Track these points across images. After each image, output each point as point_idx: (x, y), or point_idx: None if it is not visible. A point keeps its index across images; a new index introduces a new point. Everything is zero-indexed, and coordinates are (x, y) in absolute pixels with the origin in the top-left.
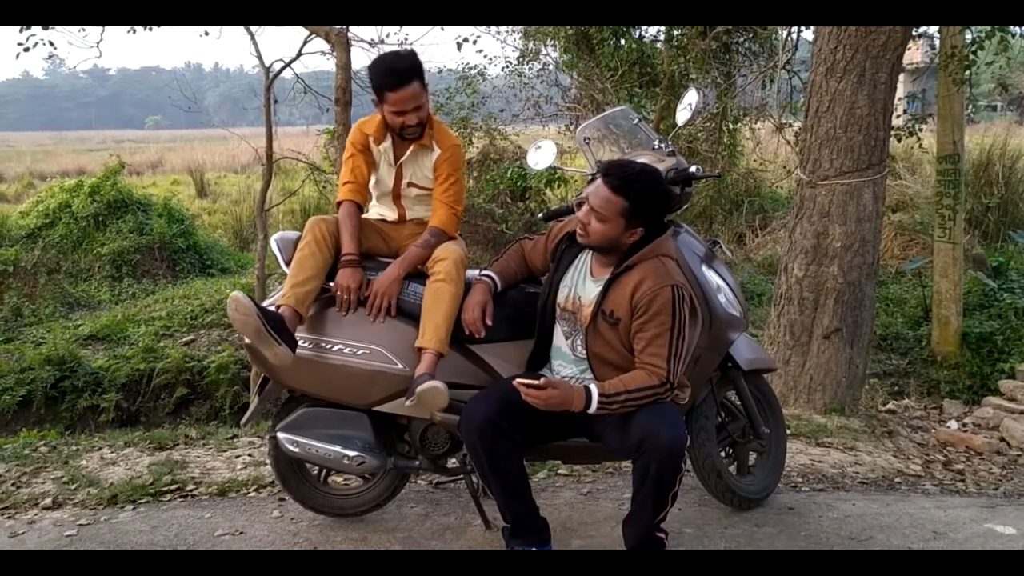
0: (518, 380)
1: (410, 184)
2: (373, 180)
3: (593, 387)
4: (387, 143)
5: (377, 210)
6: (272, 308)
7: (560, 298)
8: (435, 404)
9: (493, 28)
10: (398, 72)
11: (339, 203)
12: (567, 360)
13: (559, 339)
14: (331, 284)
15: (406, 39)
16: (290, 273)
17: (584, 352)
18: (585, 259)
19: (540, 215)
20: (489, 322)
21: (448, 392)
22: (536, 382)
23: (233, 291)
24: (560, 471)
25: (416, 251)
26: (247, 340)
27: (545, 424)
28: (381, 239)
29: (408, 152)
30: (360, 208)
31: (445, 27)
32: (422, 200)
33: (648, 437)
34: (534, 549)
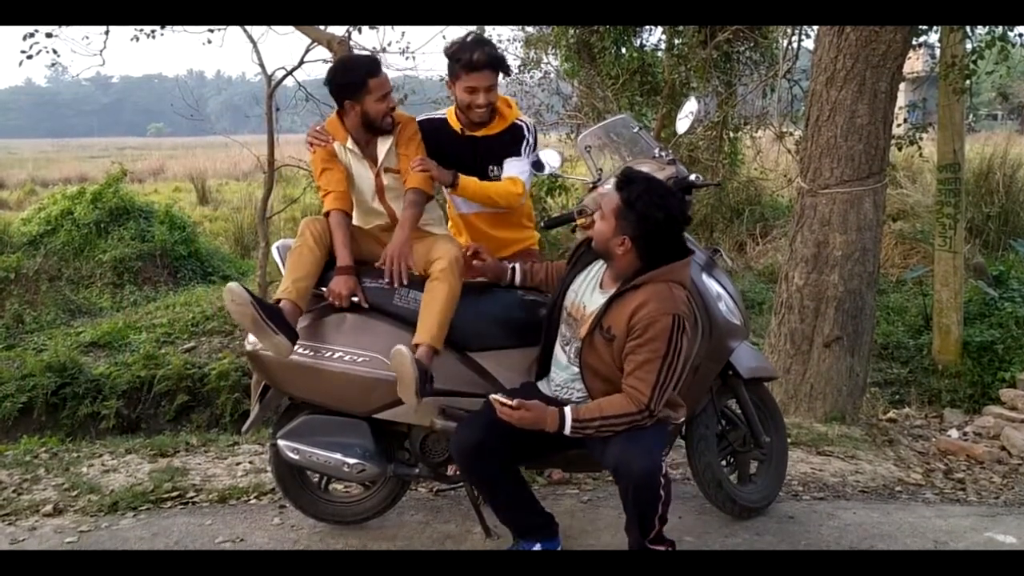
0: (493, 396)
1: (386, 170)
2: (354, 191)
3: (568, 411)
4: (349, 142)
5: (366, 219)
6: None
7: (567, 302)
8: (401, 365)
9: (495, 37)
10: (373, 58)
11: (326, 214)
12: (560, 367)
13: (558, 344)
14: (323, 289)
15: (407, 47)
16: (288, 268)
17: (576, 360)
18: (598, 268)
19: (541, 223)
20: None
21: (411, 356)
22: (509, 401)
23: (229, 282)
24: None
25: (409, 213)
26: (250, 341)
27: (538, 438)
28: (377, 244)
29: (378, 142)
30: (348, 216)
31: (447, 35)
32: (403, 191)
33: (621, 466)
34: (538, 547)
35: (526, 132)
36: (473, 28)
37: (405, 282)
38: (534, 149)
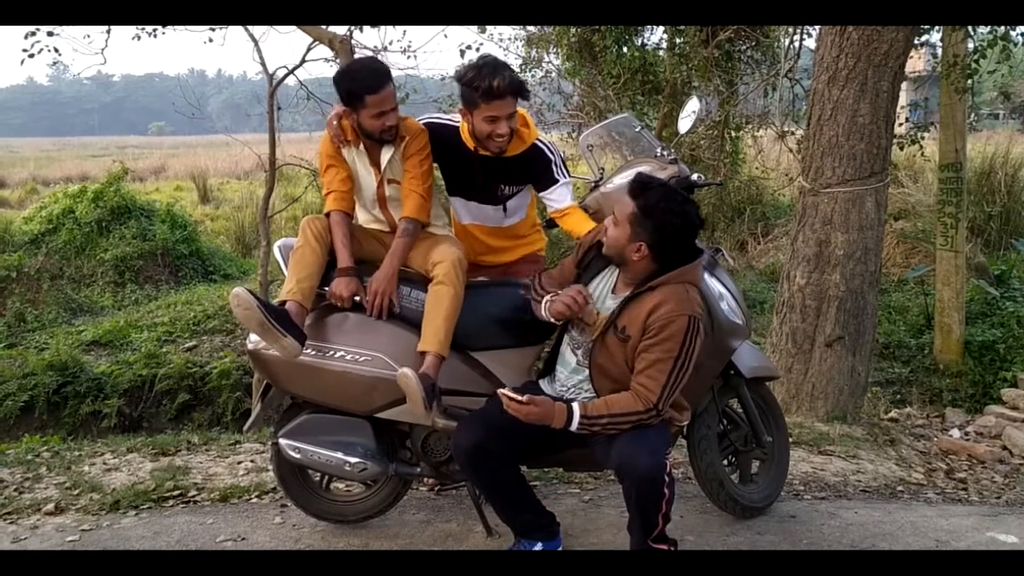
0: (502, 391)
1: (389, 181)
2: (357, 191)
3: (575, 407)
4: (360, 148)
5: (367, 221)
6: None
7: None
8: (408, 387)
9: (496, 35)
10: (380, 73)
11: (327, 214)
12: (568, 368)
13: (566, 346)
14: (325, 289)
15: (409, 46)
16: (291, 269)
17: (586, 362)
18: (612, 274)
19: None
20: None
21: (415, 378)
22: (518, 396)
23: (235, 287)
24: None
25: (401, 243)
26: (251, 340)
27: (539, 437)
28: (380, 245)
29: (382, 151)
30: (349, 216)
31: (448, 34)
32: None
33: (625, 464)
34: (539, 546)
35: (550, 153)
36: (474, 28)
37: (384, 318)
38: (563, 166)
